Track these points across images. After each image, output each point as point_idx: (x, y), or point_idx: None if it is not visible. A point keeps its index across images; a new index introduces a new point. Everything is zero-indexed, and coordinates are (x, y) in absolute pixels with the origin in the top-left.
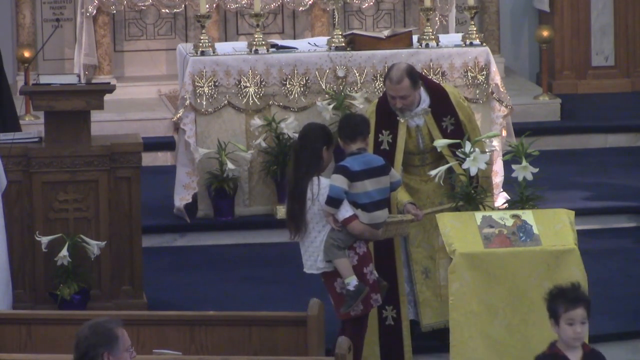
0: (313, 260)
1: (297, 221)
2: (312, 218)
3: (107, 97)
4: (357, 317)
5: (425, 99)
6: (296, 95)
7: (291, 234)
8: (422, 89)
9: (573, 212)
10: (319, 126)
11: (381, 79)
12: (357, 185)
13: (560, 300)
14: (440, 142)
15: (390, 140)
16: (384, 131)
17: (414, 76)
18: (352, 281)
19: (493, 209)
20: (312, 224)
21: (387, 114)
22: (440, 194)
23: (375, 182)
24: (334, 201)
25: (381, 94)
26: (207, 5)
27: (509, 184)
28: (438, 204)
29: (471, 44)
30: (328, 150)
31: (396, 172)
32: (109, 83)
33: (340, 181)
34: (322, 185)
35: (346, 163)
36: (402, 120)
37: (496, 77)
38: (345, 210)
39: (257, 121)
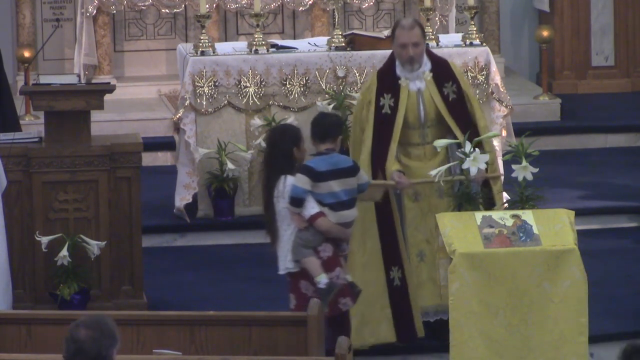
0: (283, 261)
1: (272, 227)
2: (279, 217)
3: (107, 97)
4: (332, 317)
5: (427, 63)
6: (296, 95)
7: (271, 241)
8: (425, 55)
9: (573, 212)
10: (285, 127)
11: None
12: (322, 185)
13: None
14: (441, 142)
15: (392, 104)
16: (385, 94)
17: (423, 28)
18: (322, 279)
19: (493, 208)
20: (279, 222)
21: (389, 78)
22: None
23: (342, 183)
24: (295, 201)
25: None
26: (207, 5)
27: (509, 184)
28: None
29: (471, 44)
30: (299, 148)
31: (365, 174)
32: (109, 83)
33: (302, 181)
34: (287, 183)
35: (311, 163)
36: (403, 85)
37: (496, 77)
38: (312, 207)
39: (257, 121)
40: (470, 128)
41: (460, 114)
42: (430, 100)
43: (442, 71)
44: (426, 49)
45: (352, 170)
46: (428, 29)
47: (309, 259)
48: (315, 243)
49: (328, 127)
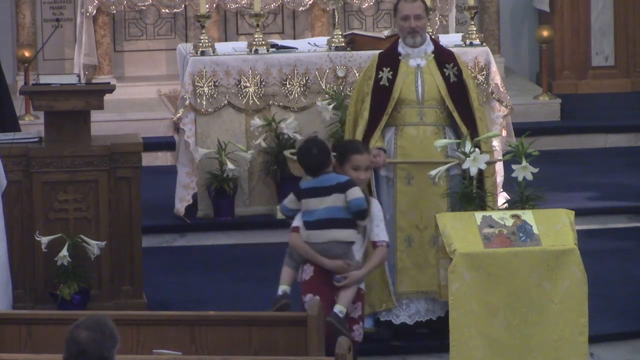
0: None
1: None
2: None
3: (107, 97)
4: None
5: (429, 44)
6: (296, 95)
7: None
8: (428, 37)
9: (573, 212)
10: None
11: None
12: (303, 202)
13: None
14: (441, 142)
15: (390, 77)
16: (384, 68)
17: (427, 4)
18: (279, 288)
19: (493, 208)
20: None
21: (390, 55)
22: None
23: (321, 201)
24: (284, 215)
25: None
26: (207, 5)
27: (509, 184)
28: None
29: (471, 44)
30: (341, 165)
31: (359, 192)
32: (109, 83)
33: (287, 199)
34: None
35: (302, 182)
36: (403, 60)
37: (496, 77)
38: (295, 221)
39: (257, 121)
40: (470, 114)
41: (460, 98)
42: (430, 78)
43: (445, 55)
44: (432, 37)
45: (337, 188)
46: (428, 29)
47: (285, 267)
48: (297, 258)
49: (316, 162)
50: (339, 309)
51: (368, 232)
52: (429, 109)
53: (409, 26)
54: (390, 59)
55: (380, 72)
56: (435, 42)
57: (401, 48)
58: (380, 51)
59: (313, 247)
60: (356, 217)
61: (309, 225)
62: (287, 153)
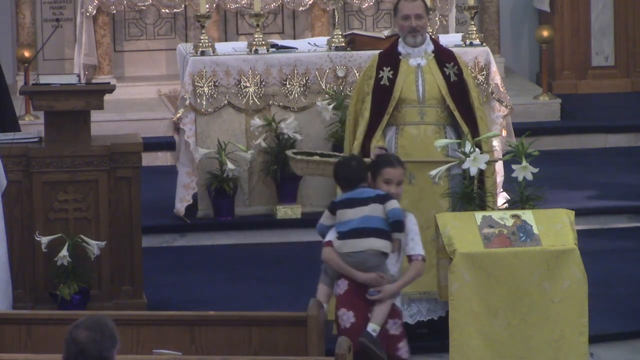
0: None
1: None
2: None
3: (107, 97)
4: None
5: (429, 44)
6: (296, 95)
7: None
8: (428, 36)
9: (573, 212)
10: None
11: None
12: (337, 214)
13: None
14: (441, 142)
15: (391, 76)
16: (385, 68)
17: (427, 4)
18: None
19: (493, 208)
20: None
21: (390, 55)
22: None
23: (358, 210)
24: (320, 234)
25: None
26: (207, 5)
27: (509, 184)
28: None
29: (471, 44)
30: (373, 179)
31: (397, 204)
32: (109, 83)
33: (323, 217)
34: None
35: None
36: (403, 60)
37: (496, 77)
38: (328, 235)
39: (257, 121)
40: (471, 113)
41: (460, 97)
42: (430, 78)
43: (445, 54)
44: (432, 37)
45: (375, 199)
46: (428, 29)
47: (320, 285)
48: (332, 274)
49: (354, 174)
50: (372, 327)
51: (403, 246)
52: (429, 109)
53: (409, 25)
54: (390, 59)
55: (380, 72)
56: (435, 42)
57: (401, 47)
58: (380, 51)
59: (346, 257)
60: (394, 227)
61: (344, 234)
62: (289, 152)
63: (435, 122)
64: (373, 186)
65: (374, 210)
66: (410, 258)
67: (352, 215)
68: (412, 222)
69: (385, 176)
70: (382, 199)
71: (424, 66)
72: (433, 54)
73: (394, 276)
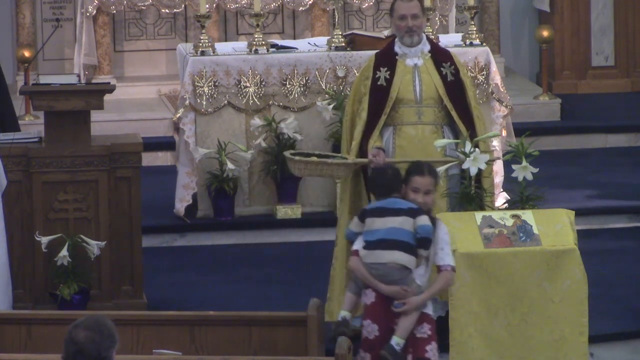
0: None
1: None
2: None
3: (107, 97)
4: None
5: (426, 44)
6: (296, 95)
7: None
8: (424, 36)
9: (573, 212)
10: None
11: None
12: (366, 222)
13: None
14: (441, 142)
15: (388, 77)
16: (381, 68)
17: (423, 4)
18: (340, 313)
19: (493, 208)
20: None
21: (386, 55)
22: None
23: (387, 221)
24: (349, 241)
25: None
26: (207, 5)
27: (509, 184)
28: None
29: (471, 44)
30: (406, 188)
31: (428, 220)
32: (109, 83)
33: (352, 223)
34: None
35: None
36: (400, 60)
37: (496, 77)
38: (355, 244)
39: (257, 121)
40: (468, 113)
41: (458, 96)
42: (427, 78)
43: (441, 54)
44: (428, 37)
45: (407, 212)
46: (428, 29)
47: (347, 293)
48: (360, 282)
49: (389, 183)
50: (395, 340)
51: (432, 256)
52: (427, 108)
53: (405, 25)
54: (387, 59)
55: (377, 72)
56: (432, 42)
57: (398, 48)
58: (376, 51)
59: (370, 267)
60: (420, 243)
61: (370, 244)
62: (286, 153)
63: (432, 122)
64: (405, 195)
65: (403, 223)
66: (439, 268)
67: (380, 224)
68: (443, 232)
69: (413, 184)
70: (414, 213)
71: (421, 66)
72: (430, 54)
73: (420, 287)
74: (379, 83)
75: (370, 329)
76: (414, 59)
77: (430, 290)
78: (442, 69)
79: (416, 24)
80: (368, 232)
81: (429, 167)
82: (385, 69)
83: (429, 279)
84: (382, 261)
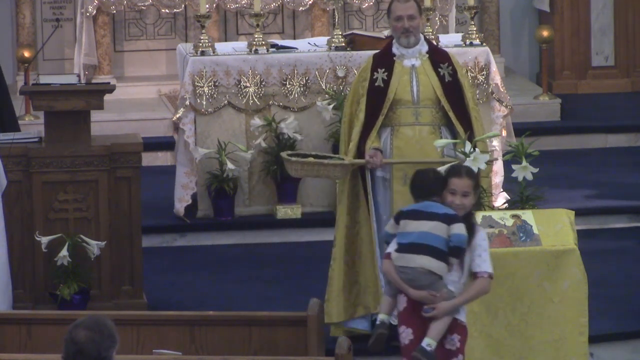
0: None
1: None
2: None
3: (107, 97)
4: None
5: (424, 44)
6: (296, 95)
7: None
8: (422, 37)
9: (573, 212)
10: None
11: None
12: (401, 223)
13: None
14: (441, 142)
15: (385, 78)
16: (379, 69)
17: (420, 5)
18: (378, 317)
19: (493, 208)
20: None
21: (384, 56)
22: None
23: (420, 224)
24: (386, 243)
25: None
26: (207, 5)
27: (509, 184)
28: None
29: (471, 44)
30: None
31: (463, 229)
32: (109, 83)
33: (388, 225)
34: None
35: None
36: (398, 61)
37: (496, 77)
38: (389, 247)
39: (257, 121)
40: (465, 114)
41: (455, 97)
42: (425, 78)
43: (439, 55)
44: (426, 38)
45: (442, 217)
46: (428, 29)
47: (383, 296)
48: (393, 285)
49: (428, 185)
50: (427, 342)
51: (469, 262)
52: (424, 109)
53: (402, 26)
54: (385, 60)
55: (375, 73)
56: (430, 42)
57: (395, 49)
58: (375, 52)
59: (400, 270)
60: (453, 251)
61: (402, 247)
62: (283, 154)
63: (430, 123)
64: (443, 198)
65: (436, 228)
66: (475, 275)
67: (413, 227)
68: (481, 238)
69: (450, 186)
70: (450, 219)
71: (418, 67)
72: (427, 55)
73: (452, 293)
74: (376, 84)
75: (405, 335)
76: (411, 60)
77: (463, 296)
78: (439, 69)
79: (412, 24)
80: (401, 235)
81: (467, 169)
82: (383, 70)
83: (465, 286)
84: (411, 265)
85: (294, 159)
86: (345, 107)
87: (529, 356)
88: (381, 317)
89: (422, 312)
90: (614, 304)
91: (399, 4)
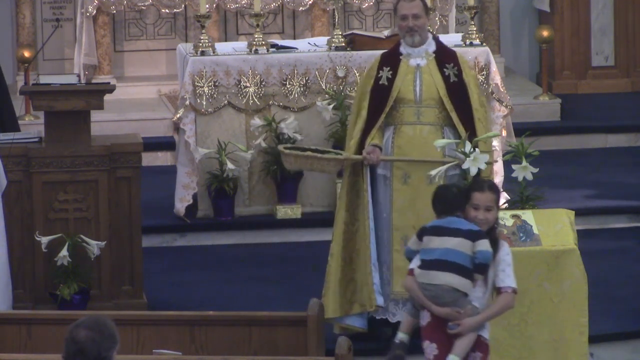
0: None
1: None
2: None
3: (107, 97)
4: None
5: (431, 44)
6: (296, 95)
7: None
8: (430, 36)
9: (573, 212)
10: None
11: None
12: (424, 240)
13: None
14: (441, 142)
15: (390, 77)
16: (385, 68)
17: (426, 4)
18: (397, 335)
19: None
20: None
21: (391, 55)
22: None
23: (444, 240)
24: (408, 259)
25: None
26: (207, 5)
27: (509, 184)
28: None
29: (471, 44)
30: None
31: (488, 245)
32: (109, 83)
33: (411, 241)
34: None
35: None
36: (404, 60)
37: (496, 77)
38: (412, 262)
39: (257, 121)
40: (469, 115)
41: (459, 98)
42: (429, 78)
43: (446, 55)
44: (435, 37)
45: (466, 234)
46: (428, 29)
47: (404, 315)
48: (415, 303)
49: (450, 201)
50: (451, 358)
51: (493, 278)
52: (426, 109)
53: (406, 25)
54: (391, 59)
55: (380, 72)
56: (438, 42)
57: (402, 48)
58: (383, 51)
59: (423, 287)
60: (477, 269)
61: (425, 264)
62: (280, 147)
63: (432, 123)
64: (466, 213)
65: (461, 245)
66: (499, 290)
67: (437, 244)
68: (505, 253)
69: (473, 201)
70: (474, 235)
71: (423, 66)
72: (434, 54)
73: (477, 309)
74: (380, 82)
75: (430, 350)
76: (417, 59)
77: (488, 312)
78: (445, 69)
79: (417, 24)
80: (425, 251)
81: (490, 183)
82: (388, 68)
83: (489, 302)
84: (435, 282)
85: (287, 151)
86: (353, 105)
87: (529, 356)
88: (401, 336)
89: (447, 329)
90: (614, 304)
91: (404, 3)
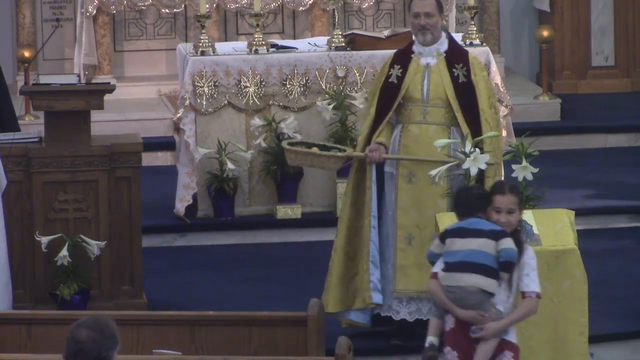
0: None
1: None
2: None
3: (107, 97)
4: None
5: (443, 43)
6: (296, 95)
7: None
8: (444, 35)
9: (573, 212)
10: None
11: None
12: (446, 242)
13: None
14: (441, 142)
15: (400, 75)
16: (395, 66)
17: (440, 2)
18: (427, 339)
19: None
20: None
21: (403, 54)
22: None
23: (467, 242)
24: (430, 263)
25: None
26: (207, 5)
27: None
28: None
29: (471, 44)
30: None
31: (512, 243)
32: (109, 83)
33: (433, 245)
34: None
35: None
36: (415, 58)
37: (496, 77)
38: (435, 266)
39: (257, 121)
40: (476, 116)
41: (467, 99)
42: (437, 78)
43: (457, 55)
44: (449, 36)
45: (489, 234)
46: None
47: (431, 318)
48: (439, 307)
49: (471, 202)
50: None
51: (517, 282)
52: (433, 108)
53: (418, 23)
54: (403, 57)
55: (391, 69)
56: (451, 42)
57: (415, 46)
58: (396, 50)
59: (448, 290)
60: (503, 267)
61: (449, 266)
62: (284, 144)
63: (438, 122)
64: (488, 216)
65: (484, 245)
66: (523, 294)
67: (460, 245)
68: (529, 257)
69: (495, 204)
70: (497, 235)
71: (433, 66)
72: (445, 54)
73: (501, 313)
74: (390, 80)
75: (450, 356)
76: (427, 58)
77: (511, 317)
78: (454, 70)
79: (429, 22)
80: (448, 253)
81: (511, 186)
82: (399, 66)
83: (514, 305)
84: (460, 284)
85: (287, 147)
86: (366, 103)
87: (529, 356)
88: (430, 339)
89: (470, 333)
90: (614, 304)
91: (417, 1)
